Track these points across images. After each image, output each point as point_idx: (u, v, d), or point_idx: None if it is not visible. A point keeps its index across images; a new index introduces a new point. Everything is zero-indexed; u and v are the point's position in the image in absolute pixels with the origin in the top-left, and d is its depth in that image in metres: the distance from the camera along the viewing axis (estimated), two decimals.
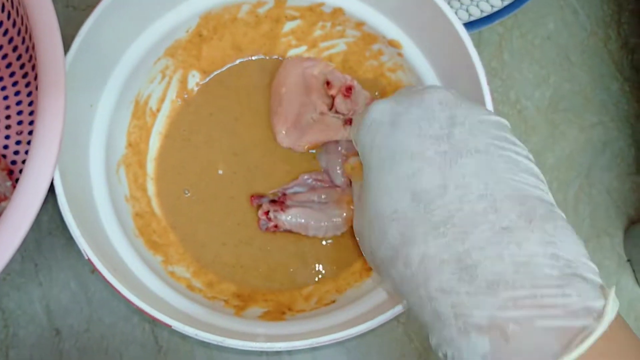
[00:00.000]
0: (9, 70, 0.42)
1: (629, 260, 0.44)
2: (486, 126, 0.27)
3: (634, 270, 0.44)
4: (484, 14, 0.44)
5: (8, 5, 0.38)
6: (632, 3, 0.48)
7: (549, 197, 0.27)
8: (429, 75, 0.39)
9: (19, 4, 0.36)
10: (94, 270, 0.39)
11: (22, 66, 0.42)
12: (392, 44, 0.40)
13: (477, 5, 0.44)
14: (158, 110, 0.42)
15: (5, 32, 0.41)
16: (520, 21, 0.48)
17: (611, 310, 0.23)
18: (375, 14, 0.40)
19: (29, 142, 0.41)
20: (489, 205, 0.25)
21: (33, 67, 0.40)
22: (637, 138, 0.46)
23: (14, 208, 0.28)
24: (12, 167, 0.40)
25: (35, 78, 0.40)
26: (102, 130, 0.39)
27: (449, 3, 0.44)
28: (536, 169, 0.28)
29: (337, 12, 0.40)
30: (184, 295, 0.38)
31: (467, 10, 0.44)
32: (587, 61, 0.47)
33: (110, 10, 0.36)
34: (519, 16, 0.47)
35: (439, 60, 0.39)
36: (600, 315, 0.23)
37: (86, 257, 0.34)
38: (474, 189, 0.25)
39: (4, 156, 0.41)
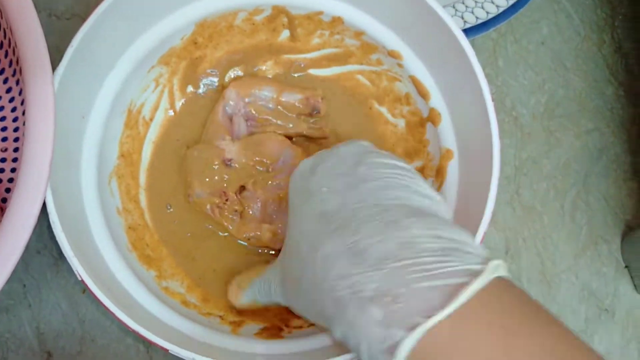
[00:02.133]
0: None
1: (627, 267, 0.44)
2: (387, 166, 0.31)
3: (632, 277, 0.44)
4: (479, 21, 0.43)
5: None
6: (625, 7, 0.48)
7: (445, 214, 0.30)
8: (429, 85, 0.39)
9: (1, 16, 0.34)
10: (85, 290, 0.38)
11: (5, 80, 0.40)
12: (392, 54, 0.39)
13: (473, 12, 0.43)
14: (151, 119, 0.41)
15: None
16: (514, 26, 0.47)
17: (492, 268, 0.25)
18: (374, 23, 0.39)
19: (14, 160, 0.39)
20: (381, 209, 0.28)
21: (17, 82, 0.39)
22: (633, 143, 0.46)
23: (2, 240, 0.26)
24: None
25: (20, 93, 0.38)
26: (94, 141, 0.38)
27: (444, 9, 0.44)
28: (435, 197, 0.31)
29: (336, 21, 0.40)
30: (178, 312, 0.37)
31: (462, 18, 0.43)
32: (581, 66, 0.47)
33: (104, 19, 0.35)
34: (512, 22, 0.47)
35: (440, 72, 0.38)
36: (478, 273, 0.25)
37: (80, 279, 0.33)
38: (369, 202, 0.29)
39: None
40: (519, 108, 0.46)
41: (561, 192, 0.45)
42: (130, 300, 0.36)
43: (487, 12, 0.43)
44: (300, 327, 0.39)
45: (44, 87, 0.30)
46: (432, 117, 0.39)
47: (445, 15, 0.35)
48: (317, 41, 0.42)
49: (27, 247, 0.40)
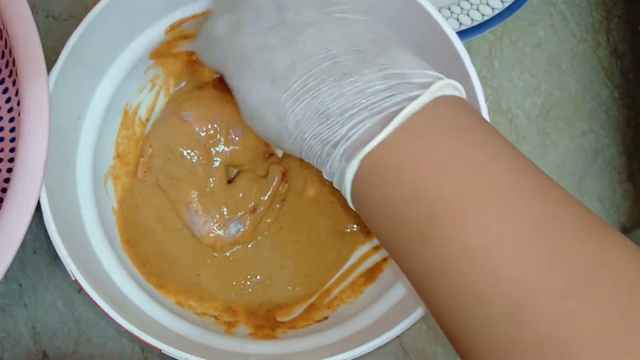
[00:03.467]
0: None
1: None
2: (308, 3, 0.31)
3: None
4: (475, 23, 0.43)
5: None
6: (620, 9, 0.48)
7: (382, 29, 0.31)
8: None
9: None
10: (80, 289, 0.38)
11: (1, 81, 0.40)
12: None
13: (468, 14, 0.43)
14: (147, 119, 0.41)
15: None
16: (510, 29, 0.47)
17: (430, 92, 0.27)
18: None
19: (10, 160, 0.39)
20: (330, 62, 0.29)
21: (14, 83, 0.39)
22: (628, 145, 0.46)
23: None
24: None
25: (17, 94, 0.39)
26: (90, 141, 0.38)
27: (439, 11, 0.44)
28: (362, 10, 0.32)
29: None
30: (173, 312, 0.37)
31: (457, 19, 0.43)
32: (577, 68, 0.47)
33: (99, 20, 0.35)
34: (508, 24, 0.47)
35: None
36: (416, 97, 0.27)
37: (73, 279, 0.33)
38: (317, 56, 0.30)
39: None
40: (515, 110, 0.46)
41: None
42: (124, 299, 0.36)
43: (483, 14, 0.43)
44: (294, 327, 0.39)
45: (39, 89, 0.30)
46: None
47: (440, 18, 0.35)
48: None
49: (24, 247, 0.40)
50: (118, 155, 0.40)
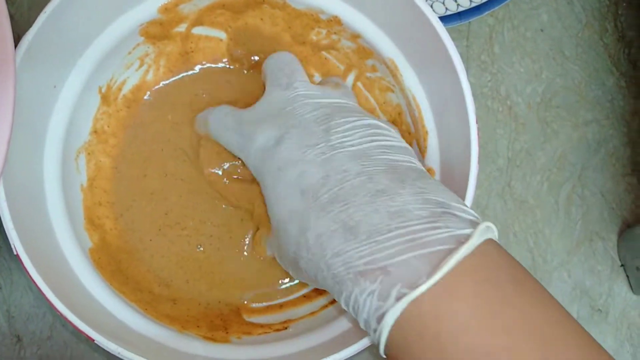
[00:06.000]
0: None
1: (622, 265, 0.42)
2: (358, 129, 0.31)
3: (627, 276, 0.42)
4: (474, 4, 0.41)
5: None
6: None
7: (421, 166, 0.30)
8: (421, 98, 0.36)
9: None
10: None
11: None
12: (387, 62, 0.37)
13: None
14: (134, 100, 0.40)
15: None
16: (512, 12, 0.45)
17: (479, 233, 0.25)
18: (373, 27, 0.37)
19: None
20: (365, 178, 0.28)
21: None
22: (633, 137, 0.44)
23: None
24: None
25: None
26: (65, 113, 0.36)
27: None
28: (409, 148, 0.31)
29: (334, 20, 0.37)
30: (124, 301, 0.35)
31: (455, 0, 0.41)
32: (581, 55, 0.45)
33: None
34: (510, 6, 0.45)
35: (431, 84, 0.36)
36: (465, 240, 0.25)
37: (15, 253, 0.31)
38: (352, 171, 0.28)
39: None
40: (514, 97, 0.44)
41: (556, 185, 0.43)
42: (72, 279, 0.34)
43: None
44: (249, 333, 0.36)
45: (4, 77, 0.29)
46: (421, 135, 0.37)
47: (439, 26, 0.33)
48: (314, 38, 0.39)
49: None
50: (95, 131, 0.39)
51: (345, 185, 0.28)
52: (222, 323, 0.36)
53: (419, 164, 0.30)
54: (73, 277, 0.34)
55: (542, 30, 0.45)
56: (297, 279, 0.37)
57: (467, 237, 0.25)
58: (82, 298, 0.34)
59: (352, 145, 0.30)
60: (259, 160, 0.32)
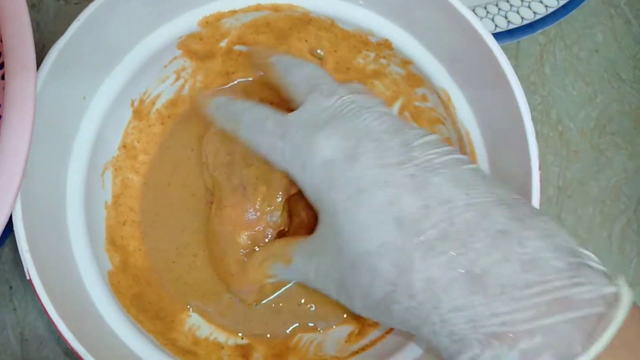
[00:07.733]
0: None
1: None
2: (433, 145, 0.27)
3: None
4: (525, 22, 0.39)
5: None
6: None
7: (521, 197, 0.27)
8: (475, 133, 0.34)
9: None
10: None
11: None
12: (439, 92, 0.35)
13: (518, 12, 0.39)
14: (168, 115, 0.38)
15: None
16: (565, 31, 0.42)
17: (626, 295, 0.22)
18: (426, 54, 0.34)
19: None
20: (478, 213, 0.24)
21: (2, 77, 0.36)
22: None
23: None
24: None
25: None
26: (94, 126, 0.34)
27: (484, 8, 0.39)
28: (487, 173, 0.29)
29: (384, 44, 0.35)
30: (142, 332, 0.33)
31: (505, 17, 0.39)
32: (639, 78, 0.42)
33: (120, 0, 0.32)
34: (563, 25, 0.42)
35: (486, 117, 0.33)
36: (615, 301, 0.22)
37: (28, 278, 0.29)
38: (458, 202, 0.25)
39: None
40: (566, 122, 0.41)
41: (609, 219, 0.40)
42: (93, 314, 0.32)
43: (535, 13, 0.39)
44: None
45: (25, 83, 0.27)
46: None
47: (501, 55, 0.30)
48: (360, 62, 0.37)
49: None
50: (124, 146, 0.37)
51: (455, 220, 0.24)
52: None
53: (512, 191, 0.27)
54: (88, 303, 0.32)
55: (596, 51, 0.42)
56: (369, 318, 0.29)
57: (614, 297, 0.22)
58: (96, 327, 0.32)
59: (443, 167, 0.26)
60: (325, 177, 0.28)
